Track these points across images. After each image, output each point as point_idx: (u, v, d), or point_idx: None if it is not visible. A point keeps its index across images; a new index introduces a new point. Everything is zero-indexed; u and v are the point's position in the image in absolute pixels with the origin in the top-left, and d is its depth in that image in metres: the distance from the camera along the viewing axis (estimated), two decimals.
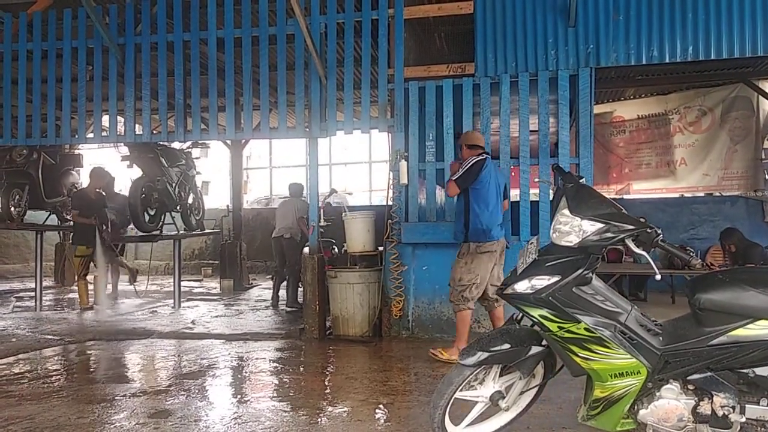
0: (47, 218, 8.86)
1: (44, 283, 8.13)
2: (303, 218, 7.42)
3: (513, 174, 6.12)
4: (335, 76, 6.25)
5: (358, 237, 6.19)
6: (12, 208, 7.91)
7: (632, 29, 5.70)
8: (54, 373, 4.80)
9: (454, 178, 4.86)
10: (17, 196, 7.94)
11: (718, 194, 9.96)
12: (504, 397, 2.67)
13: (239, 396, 4.17)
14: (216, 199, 13.22)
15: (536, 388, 2.78)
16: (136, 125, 6.87)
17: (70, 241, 8.28)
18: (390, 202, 6.07)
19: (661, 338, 2.42)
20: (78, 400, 3.98)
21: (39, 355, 5.49)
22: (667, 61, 5.72)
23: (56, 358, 5.44)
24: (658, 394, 2.42)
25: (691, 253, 2.54)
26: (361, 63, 6.17)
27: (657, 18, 5.67)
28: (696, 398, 2.39)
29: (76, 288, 8.18)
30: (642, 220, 2.42)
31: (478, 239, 4.84)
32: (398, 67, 6.00)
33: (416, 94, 6.00)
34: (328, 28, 6.20)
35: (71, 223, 8.25)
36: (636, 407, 2.45)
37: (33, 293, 8.38)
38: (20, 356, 5.33)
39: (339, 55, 6.47)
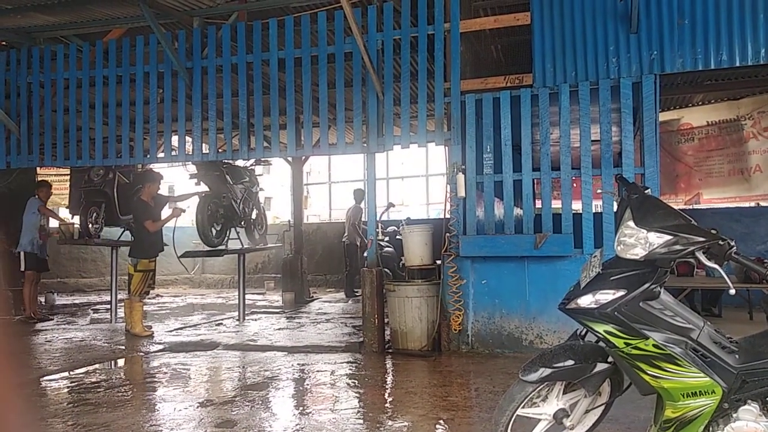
0: (122, 234, 9.34)
1: (119, 296, 8.53)
2: (355, 224, 8.93)
3: (575, 185, 5.98)
4: (392, 91, 6.32)
5: (416, 250, 6.20)
6: (90, 225, 8.39)
7: (699, 33, 5.47)
8: (127, 382, 5.03)
9: None
10: (94, 214, 8.42)
11: None
12: (568, 416, 2.59)
13: (301, 407, 4.24)
14: (278, 213, 13.56)
15: (602, 407, 2.68)
16: (203, 144, 7.17)
17: (129, 255, 7.37)
18: (447, 215, 6.06)
19: (737, 356, 2.30)
20: (149, 409, 4.17)
21: (113, 365, 5.79)
22: (738, 64, 5.45)
23: (129, 367, 5.70)
24: (735, 415, 2.29)
25: None
26: (418, 78, 6.22)
27: (725, 20, 5.42)
28: None
29: (126, 309, 7.20)
30: (713, 231, 2.32)
31: None
32: (455, 80, 6.00)
33: (473, 106, 5.98)
34: (384, 44, 6.29)
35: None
36: (711, 429, 2.33)
37: (108, 306, 8.84)
38: (96, 366, 5.62)
39: (395, 70, 6.54)
